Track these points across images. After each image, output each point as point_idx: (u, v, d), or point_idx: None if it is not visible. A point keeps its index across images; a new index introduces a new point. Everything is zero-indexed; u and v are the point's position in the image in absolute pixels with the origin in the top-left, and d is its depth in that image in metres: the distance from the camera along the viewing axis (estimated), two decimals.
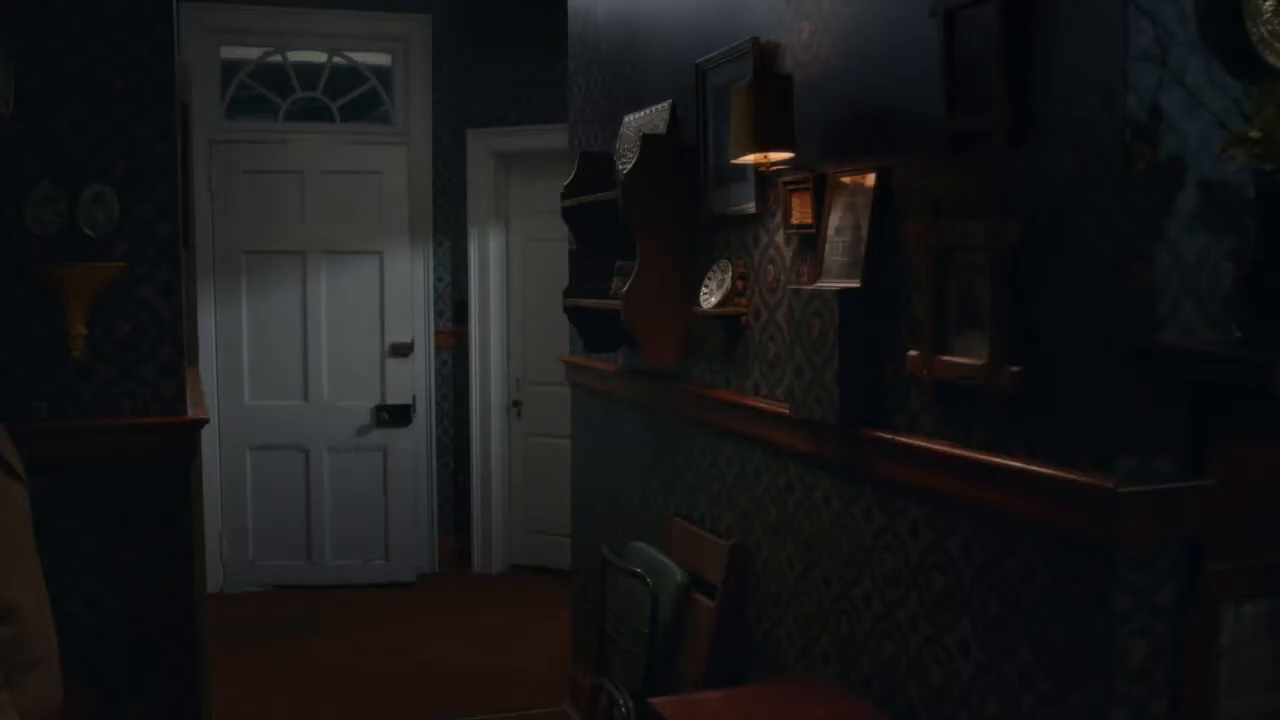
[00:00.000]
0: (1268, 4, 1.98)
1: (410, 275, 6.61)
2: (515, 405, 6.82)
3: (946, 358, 2.39)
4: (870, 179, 2.65)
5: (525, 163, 6.67)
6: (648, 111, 3.82)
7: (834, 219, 2.78)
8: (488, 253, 6.74)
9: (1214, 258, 2.03)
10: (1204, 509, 2.04)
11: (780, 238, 3.07)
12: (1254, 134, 1.82)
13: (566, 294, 4.20)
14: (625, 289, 3.57)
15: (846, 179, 2.76)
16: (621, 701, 3.47)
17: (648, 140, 3.58)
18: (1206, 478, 2.03)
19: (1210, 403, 2.02)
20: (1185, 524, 2.04)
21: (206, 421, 3.53)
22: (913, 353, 2.48)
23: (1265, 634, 2.14)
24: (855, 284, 2.66)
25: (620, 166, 3.87)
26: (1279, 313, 1.86)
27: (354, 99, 6.74)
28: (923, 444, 2.49)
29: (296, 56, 6.67)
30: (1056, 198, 2.12)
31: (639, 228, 3.59)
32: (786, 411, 2.97)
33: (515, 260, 6.80)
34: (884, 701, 2.67)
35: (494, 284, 6.73)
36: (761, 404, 3.17)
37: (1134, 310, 2.00)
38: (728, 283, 3.30)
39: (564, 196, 4.18)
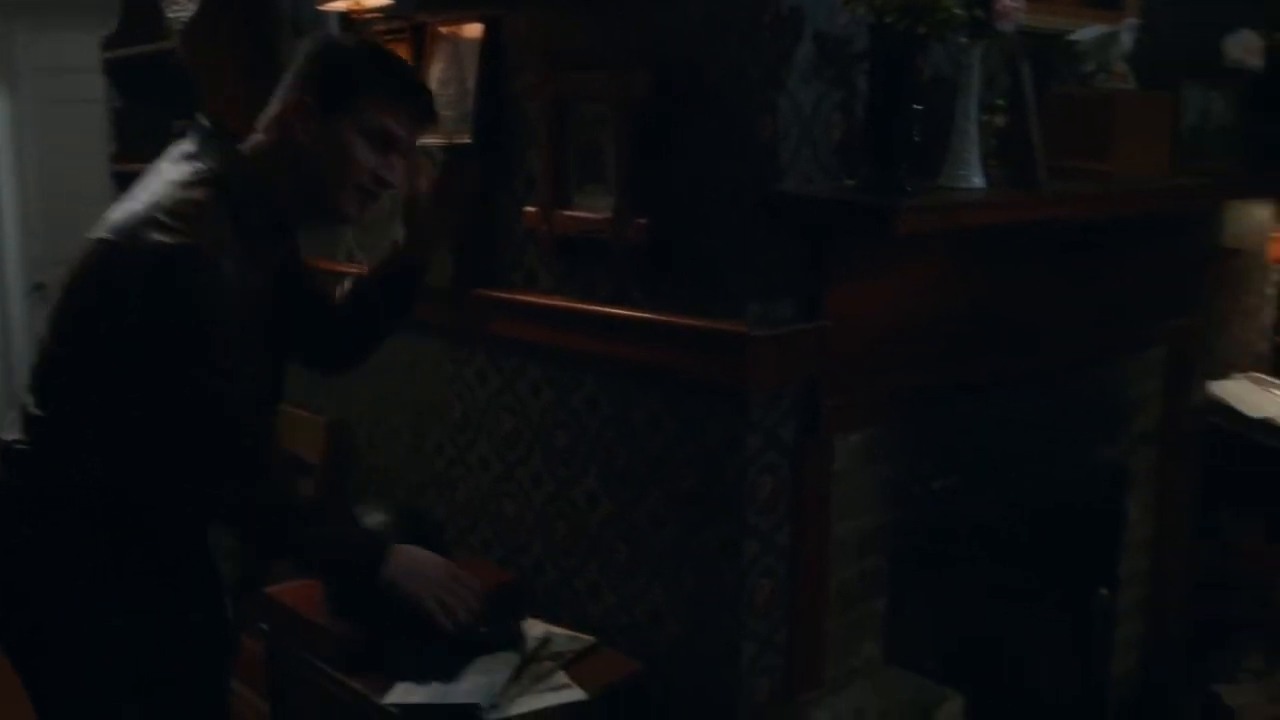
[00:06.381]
0: None
1: None
2: (38, 288, 6.12)
3: (568, 212, 2.36)
4: (476, 29, 2.54)
5: (32, 12, 5.87)
6: None
7: (436, 72, 2.65)
8: None
9: (826, 109, 2.13)
10: (820, 349, 2.17)
11: None
12: None
13: (115, 159, 3.78)
14: None
15: (447, 29, 2.63)
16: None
17: None
18: (823, 320, 2.16)
19: (827, 248, 2.14)
20: (806, 364, 2.16)
21: None
22: (530, 209, 2.44)
23: (866, 461, 2.34)
24: (465, 139, 2.56)
25: (173, 15, 3.49)
26: (895, 160, 1.98)
27: None
28: (542, 301, 2.46)
29: None
30: (684, 48, 2.12)
31: (204, 84, 3.26)
32: None
33: (30, 127, 6.02)
34: (508, 560, 2.67)
35: (3, 155, 5.94)
36: (356, 270, 3.01)
37: (760, 160, 2.06)
38: None
39: (105, 48, 3.72)
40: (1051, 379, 2.74)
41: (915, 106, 2.01)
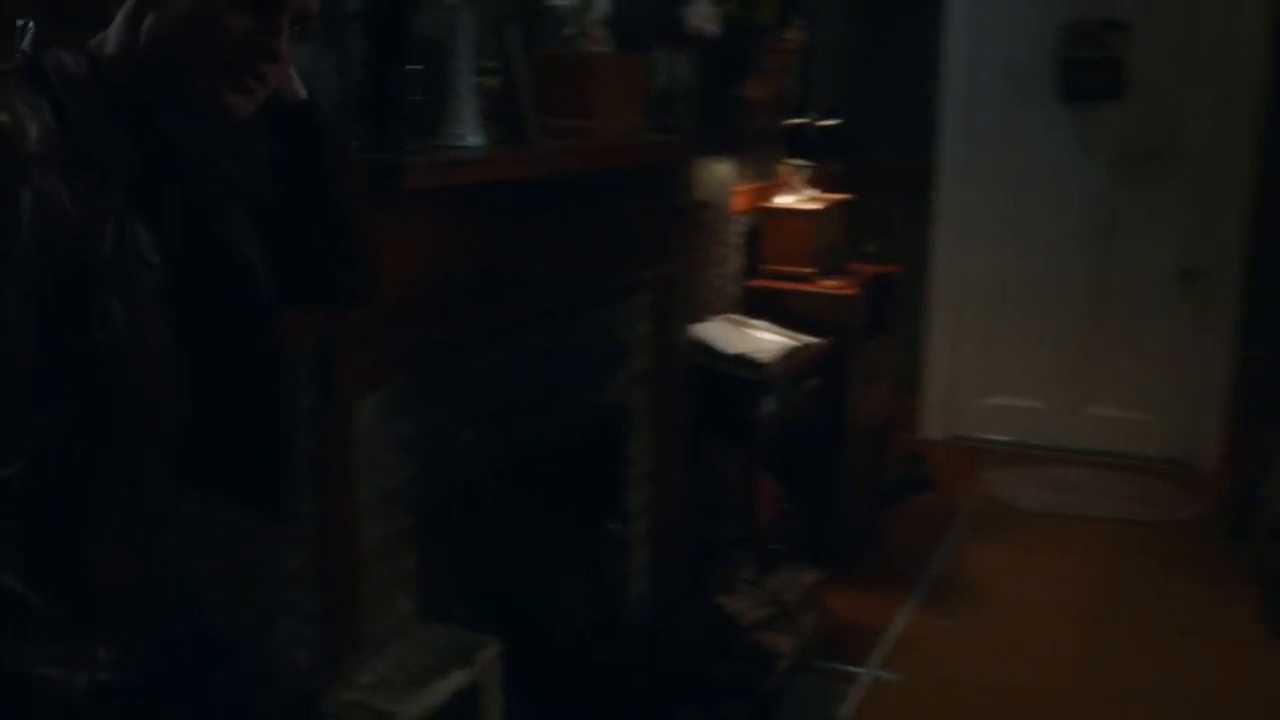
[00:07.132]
0: None
1: None
2: None
3: None
4: None
5: None
6: None
7: None
8: None
9: (322, 70, 2.11)
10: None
11: None
12: None
13: None
14: None
15: None
16: None
17: None
18: None
19: None
20: (320, 328, 2.14)
21: None
22: None
23: (386, 420, 2.35)
24: None
25: None
26: (394, 120, 2.00)
27: None
28: None
29: None
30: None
31: None
32: None
33: None
34: None
35: None
36: None
37: None
38: None
39: None
40: (555, 327, 2.89)
41: (411, 67, 2.03)
